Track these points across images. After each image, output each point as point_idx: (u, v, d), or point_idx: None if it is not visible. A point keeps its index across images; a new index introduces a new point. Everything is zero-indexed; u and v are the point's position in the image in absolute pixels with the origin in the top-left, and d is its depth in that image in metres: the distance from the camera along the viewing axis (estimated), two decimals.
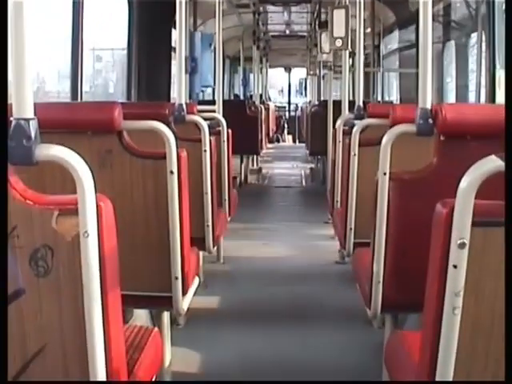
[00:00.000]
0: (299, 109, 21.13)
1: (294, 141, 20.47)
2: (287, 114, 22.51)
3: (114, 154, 2.81)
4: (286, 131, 21.40)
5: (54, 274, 1.64)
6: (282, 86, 26.26)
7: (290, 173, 12.07)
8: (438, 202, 1.65)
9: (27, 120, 1.58)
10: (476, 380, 1.65)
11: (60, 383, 1.72)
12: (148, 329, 2.28)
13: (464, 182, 1.53)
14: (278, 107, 21.86)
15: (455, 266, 1.55)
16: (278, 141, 19.91)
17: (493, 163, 1.52)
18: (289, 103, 23.48)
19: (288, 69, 23.37)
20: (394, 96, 10.57)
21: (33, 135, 1.58)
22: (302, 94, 24.67)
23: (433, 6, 2.68)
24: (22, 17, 1.56)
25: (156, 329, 2.32)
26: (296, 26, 13.70)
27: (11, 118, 1.58)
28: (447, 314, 1.58)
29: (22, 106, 1.58)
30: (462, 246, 1.53)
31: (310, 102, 16.02)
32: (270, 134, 14.77)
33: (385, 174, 2.68)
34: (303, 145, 16.44)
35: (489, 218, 1.56)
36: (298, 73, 23.96)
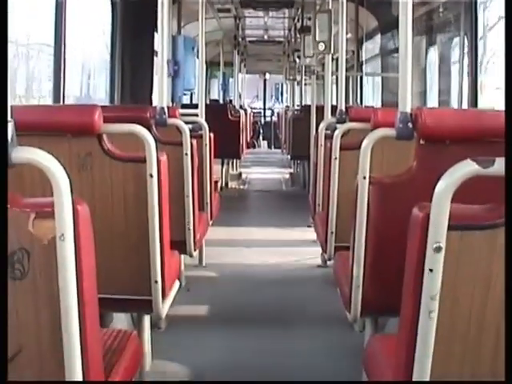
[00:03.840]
0: (275, 114, 21.14)
1: (270, 146, 20.57)
2: (262, 119, 22.51)
3: (94, 157, 2.80)
4: (261, 137, 21.40)
5: (31, 278, 1.63)
6: (256, 92, 26.20)
7: (269, 177, 12.12)
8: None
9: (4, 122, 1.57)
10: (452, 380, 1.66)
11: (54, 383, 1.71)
12: (126, 332, 2.27)
13: (440, 186, 1.53)
14: (254, 113, 21.88)
15: (431, 270, 1.55)
16: (254, 146, 19.90)
17: (468, 167, 1.53)
18: (264, 109, 23.51)
19: (264, 74, 23.37)
20: (375, 101, 10.59)
21: (9, 138, 1.57)
22: (278, 99, 24.59)
23: (416, 12, 2.69)
24: (6, 16, 1.54)
25: (134, 332, 2.31)
26: (273, 31, 13.70)
27: None
28: (423, 318, 1.58)
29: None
30: (437, 249, 1.53)
31: (287, 107, 16.04)
32: (248, 139, 14.84)
33: (364, 177, 2.68)
34: (279, 150, 16.50)
35: (465, 221, 1.56)
36: (274, 78, 23.89)
